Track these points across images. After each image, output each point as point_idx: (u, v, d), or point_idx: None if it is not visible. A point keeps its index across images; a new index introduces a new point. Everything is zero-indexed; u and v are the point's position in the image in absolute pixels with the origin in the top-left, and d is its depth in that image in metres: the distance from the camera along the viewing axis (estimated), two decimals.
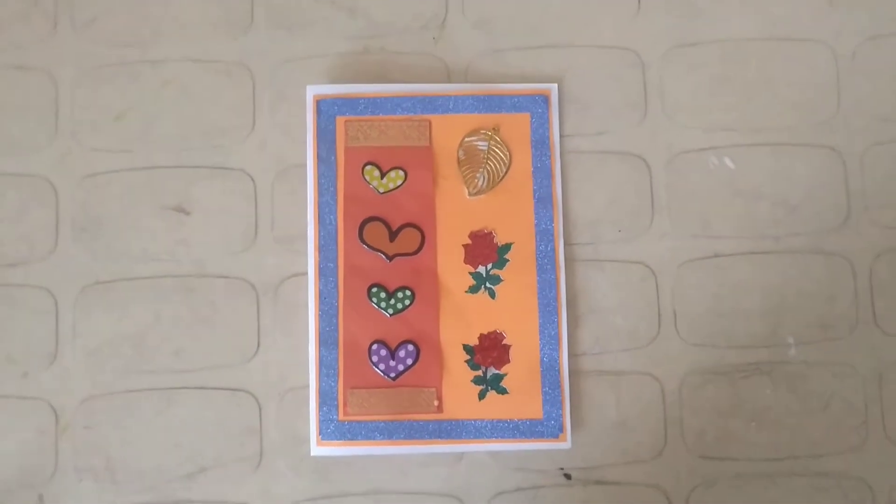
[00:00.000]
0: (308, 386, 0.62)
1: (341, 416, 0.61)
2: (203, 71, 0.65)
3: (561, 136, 0.65)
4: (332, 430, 0.61)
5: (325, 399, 0.61)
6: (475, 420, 0.61)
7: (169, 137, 0.64)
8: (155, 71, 0.65)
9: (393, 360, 0.62)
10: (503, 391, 0.62)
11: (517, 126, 0.64)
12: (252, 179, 0.64)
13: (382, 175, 0.63)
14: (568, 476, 0.63)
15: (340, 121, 0.63)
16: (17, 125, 0.64)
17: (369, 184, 0.63)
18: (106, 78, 0.65)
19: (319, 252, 0.62)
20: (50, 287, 0.63)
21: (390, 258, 0.63)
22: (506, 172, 0.63)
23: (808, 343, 0.64)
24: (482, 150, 0.63)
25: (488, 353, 0.62)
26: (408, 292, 0.63)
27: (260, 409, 0.63)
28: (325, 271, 0.62)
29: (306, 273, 0.63)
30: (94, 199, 0.64)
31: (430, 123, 0.63)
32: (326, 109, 0.64)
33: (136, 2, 0.66)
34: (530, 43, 0.66)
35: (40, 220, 0.64)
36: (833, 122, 0.66)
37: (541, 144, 0.64)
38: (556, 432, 0.61)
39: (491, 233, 0.63)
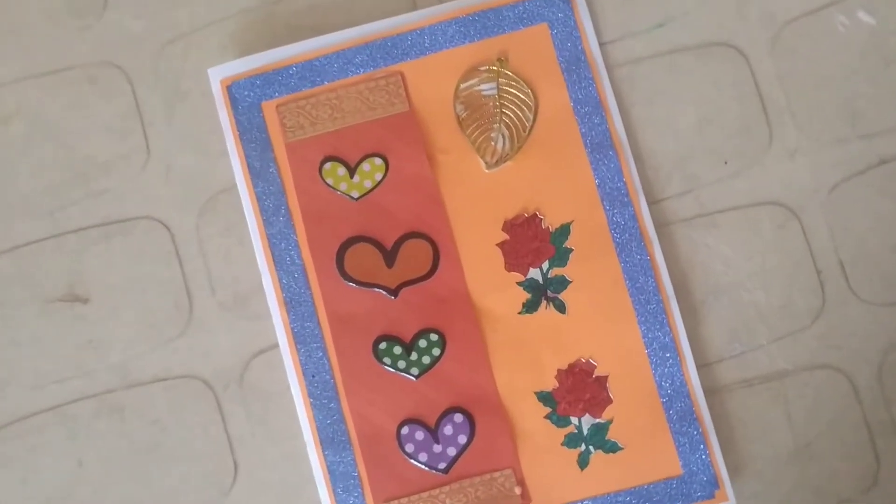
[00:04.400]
0: None
1: None
2: (56, 87, 0.55)
3: (601, 44, 0.53)
4: None
5: None
6: (583, 501, 0.49)
7: (32, 196, 0.54)
8: None
9: (437, 443, 0.49)
10: (614, 448, 0.50)
11: (533, 46, 0.52)
12: (166, 227, 0.53)
13: (351, 171, 0.51)
14: None
15: (269, 107, 0.52)
16: None
17: (335, 189, 0.51)
18: None
19: (287, 309, 0.50)
20: None
21: (394, 291, 0.51)
22: (534, 120, 0.52)
23: None
24: (490, 95, 0.52)
25: (577, 397, 0.50)
26: (433, 336, 0.50)
27: None
28: (303, 335, 0.50)
29: (277, 345, 0.51)
30: None
31: (402, 76, 0.52)
32: (243, 96, 0.52)
33: None
34: None
35: None
36: None
37: (575, 65, 0.52)
38: (709, 490, 0.49)
39: (534, 215, 0.51)
